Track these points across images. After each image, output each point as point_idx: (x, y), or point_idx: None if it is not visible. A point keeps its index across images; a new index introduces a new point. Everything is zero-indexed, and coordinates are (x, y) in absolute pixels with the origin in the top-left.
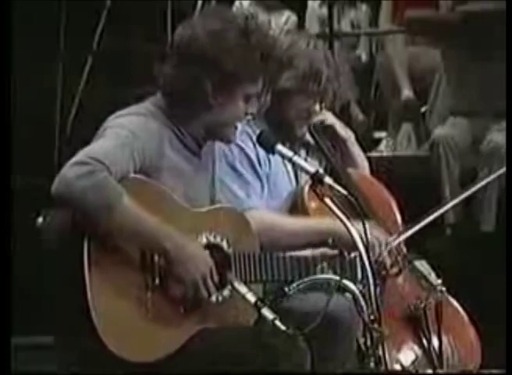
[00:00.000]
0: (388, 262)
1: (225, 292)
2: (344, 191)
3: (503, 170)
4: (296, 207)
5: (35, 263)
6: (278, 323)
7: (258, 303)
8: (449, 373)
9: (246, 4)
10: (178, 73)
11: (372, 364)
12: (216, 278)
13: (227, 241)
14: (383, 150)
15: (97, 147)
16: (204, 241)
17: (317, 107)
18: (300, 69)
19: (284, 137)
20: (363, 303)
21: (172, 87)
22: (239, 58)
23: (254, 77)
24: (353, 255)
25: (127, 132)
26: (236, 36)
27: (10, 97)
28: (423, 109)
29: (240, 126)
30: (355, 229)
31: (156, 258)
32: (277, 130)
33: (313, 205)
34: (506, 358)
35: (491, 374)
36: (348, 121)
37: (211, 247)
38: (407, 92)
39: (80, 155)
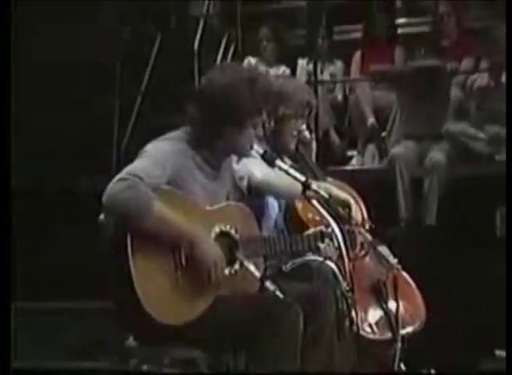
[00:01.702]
0: (358, 246)
1: (235, 267)
2: (326, 195)
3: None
4: (289, 206)
5: (96, 251)
6: (277, 292)
7: (262, 277)
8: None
9: (253, 61)
10: (202, 111)
11: (347, 322)
12: (226, 261)
13: (235, 229)
14: (354, 164)
15: (136, 165)
16: (217, 230)
17: (304, 127)
18: (295, 100)
19: (279, 152)
20: (340, 277)
21: (197, 121)
22: (247, 99)
23: (258, 111)
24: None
25: (160, 153)
26: (245, 82)
27: (10, 102)
28: (383, 134)
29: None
30: (336, 225)
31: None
32: (274, 146)
33: (300, 205)
34: (506, 358)
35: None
36: (328, 143)
37: (223, 234)
38: (371, 122)
39: (123, 173)
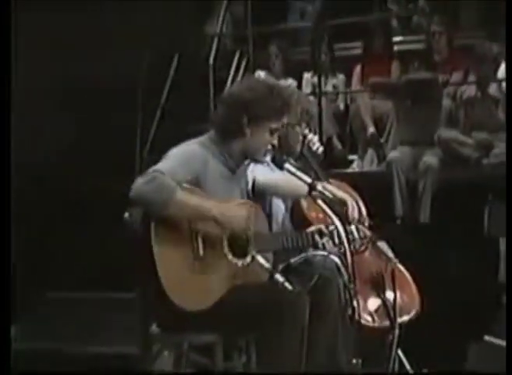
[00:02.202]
0: (359, 242)
1: (247, 260)
2: (330, 195)
3: None
4: (295, 207)
5: (122, 243)
6: (286, 283)
7: (272, 269)
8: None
9: (262, 74)
10: (225, 117)
11: (349, 311)
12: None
13: (248, 225)
14: (355, 167)
15: (160, 164)
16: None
17: (307, 131)
18: (297, 109)
19: (286, 155)
20: (343, 270)
21: (220, 126)
22: (265, 106)
23: (276, 118)
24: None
25: (184, 155)
26: (263, 91)
27: (10, 104)
28: (381, 140)
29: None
30: (340, 223)
31: (199, 237)
32: (281, 150)
33: (305, 205)
34: (506, 358)
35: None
36: (331, 148)
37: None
38: (370, 129)
39: (150, 171)
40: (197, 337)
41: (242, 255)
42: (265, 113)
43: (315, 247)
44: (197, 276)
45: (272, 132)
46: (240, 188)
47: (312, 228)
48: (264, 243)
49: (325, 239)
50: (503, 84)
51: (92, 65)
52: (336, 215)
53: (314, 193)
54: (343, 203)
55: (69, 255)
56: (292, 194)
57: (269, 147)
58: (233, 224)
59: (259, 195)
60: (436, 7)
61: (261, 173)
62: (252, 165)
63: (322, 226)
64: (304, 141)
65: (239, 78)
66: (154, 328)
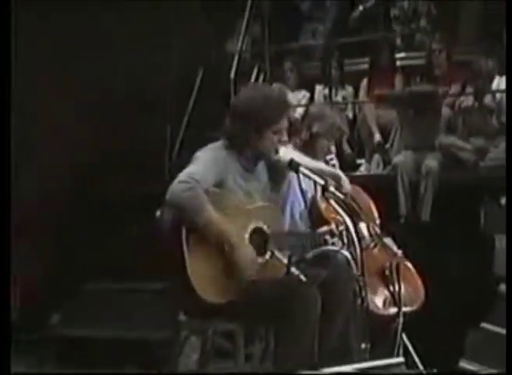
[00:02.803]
0: (368, 239)
1: (267, 256)
2: (342, 196)
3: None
4: (313, 205)
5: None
6: (301, 276)
7: (288, 264)
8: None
9: (277, 85)
10: (231, 123)
11: (359, 301)
12: (259, 251)
13: (267, 225)
14: (363, 170)
15: (193, 169)
16: (253, 226)
17: (333, 148)
18: (328, 122)
19: None
20: (353, 264)
21: (229, 136)
22: (263, 112)
23: (277, 121)
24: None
25: (209, 159)
26: (260, 100)
27: (10, 106)
28: (386, 146)
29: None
30: (350, 221)
31: (224, 237)
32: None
33: (323, 205)
34: (506, 358)
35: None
36: (341, 153)
37: (257, 229)
38: (376, 136)
39: (183, 175)
40: (220, 324)
41: (262, 252)
42: (265, 118)
43: (327, 244)
44: (221, 273)
45: (275, 132)
46: (258, 186)
47: (324, 228)
48: (281, 241)
49: (335, 239)
50: (497, 96)
51: (126, 77)
52: (347, 214)
53: (326, 194)
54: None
55: (107, 250)
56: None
57: (280, 144)
58: (238, 254)
59: (282, 174)
60: (436, 26)
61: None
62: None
63: (333, 227)
64: (327, 154)
65: None
66: (182, 316)
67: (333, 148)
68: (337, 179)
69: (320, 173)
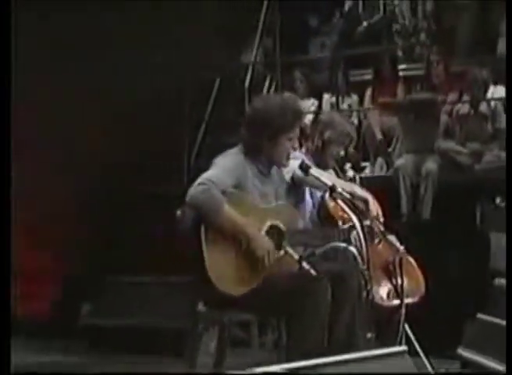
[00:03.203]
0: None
1: (281, 253)
2: (348, 196)
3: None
4: (322, 205)
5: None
6: (312, 270)
7: (300, 259)
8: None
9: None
10: (247, 131)
11: (365, 293)
12: (275, 247)
13: (283, 223)
14: (367, 172)
15: (211, 172)
16: (269, 224)
17: (342, 150)
18: (339, 128)
19: (321, 166)
20: (359, 259)
21: (246, 143)
22: (277, 119)
23: (290, 129)
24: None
25: (228, 164)
26: (274, 109)
27: (10, 107)
28: (389, 150)
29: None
30: (356, 219)
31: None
32: (318, 160)
33: (331, 204)
34: (506, 358)
35: (491, 374)
36: (346, 156)
37: (273, 227)
38: (379, 140)
39: (202, 178)
40: (236, 315)
41: (277, 247)
42: (279, 126)
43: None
44: (237, 267)
45: (289, 139)
46: (273, 188)
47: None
48: (295, 238)
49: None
50: (492, 103)
51: (150, 87)
52: (354, 213)
53: (334, 194)
54: (365, 201)
55: (133, 247)
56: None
57: (292, 151)
58: (259, 250)
59: (298, 185)
60: (435, 40)
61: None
62: (292, 162)
63: (344, 226)
64: (337, 160)
65: None
66: (201, 307)
67: (343, 152)
68: (366, 202)
69: (352, 195)
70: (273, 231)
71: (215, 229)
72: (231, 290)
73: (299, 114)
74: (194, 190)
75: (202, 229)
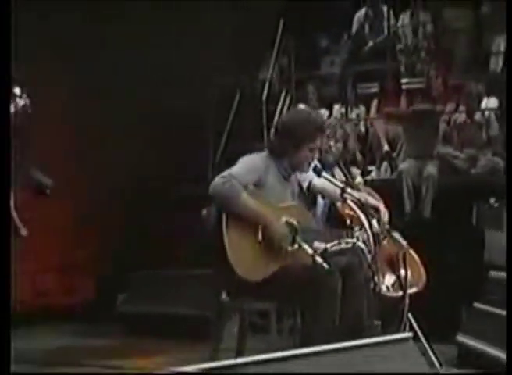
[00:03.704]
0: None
1: (295, 247)
2: (357, 197)
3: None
4: (333, 205)
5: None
6: (324, 264)
7: (313, 254)
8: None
9: (302, 106)
10: (277, 138)
11: (372, 284)
12: (289, 242)
13: (296, 220)
14: (373, 176)
15: (233, 169)
16: (284, 220)
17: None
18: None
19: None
20: (368, 254)
21: (272, 148)
22: (302, 132)
23: (313, 140)
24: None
25: (251, 163)
26: (306, 121)
27: (9, 108)
28: (393, 155)
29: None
30: (365, 217)
31: (259, 227)
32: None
33: (341, 205)
34: (506, 359)
35: (491, 374)
36: (355, 161)
37: (288, 223)
38: (385, 147)
39: (224, 173)
40: (256, 304)
41: (291, 242)
42: (303, 137)
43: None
44: (255, 253)
45: (310, 150)
46: (291, 191)
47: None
48: (308, 235)
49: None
50: (486, 113)
51: (179, 99)
52: (362, 212)
53: (344, 195)
54: (376, 209)
55: (164, 244)
56: (332, 195)
57: (312, 160)
58: (274, 230)
59: (312, 192)
60: (434, 57)
61: (316, 179)
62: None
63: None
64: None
65: (284, 110)
66: (224, 297)
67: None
68: (377, 209)
69: (365, 204)
70: (288, 227)
71: (235, 216)
72: (249, 275)
73: (322, 128)
74: (216, 181)
75: (223, 218)
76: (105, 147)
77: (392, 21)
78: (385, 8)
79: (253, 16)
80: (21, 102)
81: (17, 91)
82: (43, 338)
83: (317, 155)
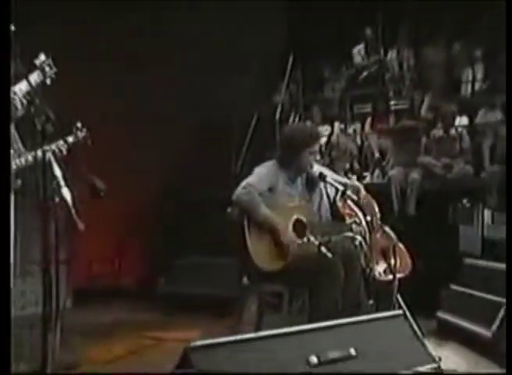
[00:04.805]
0: (374, 228)
1: (304, 240)
2: (355, 198)
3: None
4: (334, 204)
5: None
6: (328, 254)
7: (319, 245)
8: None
9: (309, 123)
10: (282, 148)
11: (368, 270)
12: (299, 236)
13: (305, 217)
14: (368, 180)
15: (251, 179)
16: (295, 217)
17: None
18: (342, 146)
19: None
20: (364, 245)
21: (280, 157)
22: (302, 140)
23: (310, 145)
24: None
25: (264, 172)
26: (302, 131)
27: (9, 108)
28: (384, 163)
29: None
30: (361, 215)
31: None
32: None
33: (341, 204)
34: (506, 359)
35: (491, 374)
36: (352, 168)
37: (298, 220)
38: (376, 156)
39: (244, 183)
40: (272, 286)
41: (301, 236)
42: (301, 144)
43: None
44: (270, 250)
45: (311, 153)
46: (298, 192)
47: (350, 220)
48: (314, 229)
49: (359, 227)
50: (459, 129)
51: (209, 118)
52: (359, 210)
53: (344, 196)
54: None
55: (196, 237)
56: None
57: (312, 162)
58: (284, 236)
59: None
60: (417, 85)
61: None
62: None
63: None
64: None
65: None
66: (245, 280)
67: (347, 165)
68: (356, 188)
69: (344, 183)
70: (298, 223)
71: (254, 222)
72: (265, 266)
73: (315, 135)
74: (239, 192)
75: (245, 222)
76: (150, 157)
77: (383, 55)
78: (377, 45)
79: (267, 52)
80: (81, 135)
81: (79, 124)
82: (99, 314)
83: (318, 157)
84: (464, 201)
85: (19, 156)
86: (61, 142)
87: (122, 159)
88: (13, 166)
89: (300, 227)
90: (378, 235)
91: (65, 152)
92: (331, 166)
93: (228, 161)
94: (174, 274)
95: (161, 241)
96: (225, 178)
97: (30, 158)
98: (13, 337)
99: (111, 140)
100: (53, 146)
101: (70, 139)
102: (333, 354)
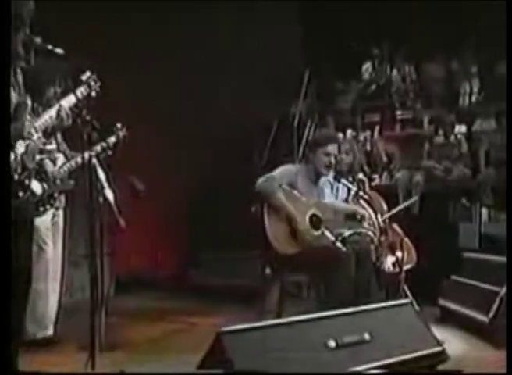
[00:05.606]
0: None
1: (319, 232)
2: (367, 197)
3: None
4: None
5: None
6: (342, 248)
7: (334, 238)
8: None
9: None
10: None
11: (378, 263)
12: (314, 229)
13: (321, 213)
14: (377, 182)
15: (272, 173)
16: (310, 212)
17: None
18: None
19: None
20: (374, 239)
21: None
22: (316, 140)
23: (323, 145)
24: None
25: (284, 171)
26: (316, 134)
27: (10, 105)
28: (391, 166)
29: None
30: (372, 213)
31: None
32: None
33: (353, 203)
34: (506, 359)
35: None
36: (363, 171)
37: (314, 215)
38: (384, 160)
39: (266, 175)
40: (291, 276)
41: (316, 228)
42: (317, 144)
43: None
44: (287, 235)
45: (325, 154)
46: (316, 191)
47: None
48: (329, 224)
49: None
50: (458, 136)
51: (235, 125)
52: (371, 208)
53: (357, 196)
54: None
55: (222, 231)
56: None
57: (328, 164)
58: (300, 225)
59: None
60: (419, 97)
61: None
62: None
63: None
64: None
65: (310, 134)
66: (268, 271)
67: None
68: (361, 181)
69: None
70: (314, 218)
71: (273, 209)
72: (282, 249)
73: (330, 137)
74: (259, 180)
75: (265, 208)
76: (183, 160)
77: (389, 71)
78: (383, 62)
79: (286, 67)
80: (121, 134)
81: (118, 125)
82: (137, 301)
83: (333, 160)
84: (463, 200)
85: (71, 159)
86: (104, 144)
87: (159, 160)
88: (65, 169)
89: (316, 221)
90: (387, 231)
91: (109, 153)
92: (344, 168)
93: (252, 163)
94: (204, 266)
95: (193, 238)
96: (249, 177)
97: (79, 160)
98: (63, 320)
99: (149, 141)
100: (98, 147)
101: (112, 139)
102: (349, 338)
